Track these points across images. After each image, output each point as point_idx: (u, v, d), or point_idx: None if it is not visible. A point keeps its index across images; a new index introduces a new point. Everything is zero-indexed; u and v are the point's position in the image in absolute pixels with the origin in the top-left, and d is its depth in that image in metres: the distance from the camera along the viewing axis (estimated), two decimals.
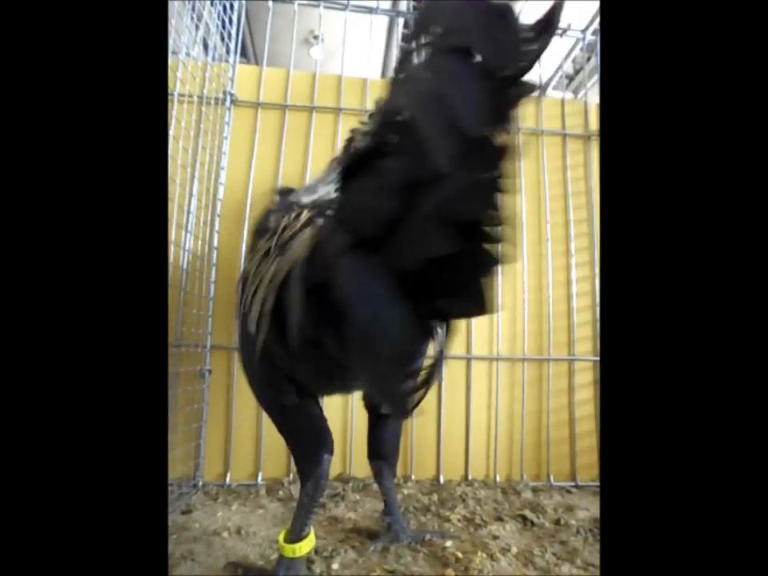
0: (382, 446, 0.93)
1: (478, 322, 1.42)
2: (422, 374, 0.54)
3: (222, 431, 1.31)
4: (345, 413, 1.35)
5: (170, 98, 1.12)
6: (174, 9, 1.12)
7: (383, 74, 4.43)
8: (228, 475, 1.28)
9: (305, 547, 0.76)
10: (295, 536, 0.76)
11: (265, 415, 1.31)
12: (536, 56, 0.42)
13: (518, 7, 0.48)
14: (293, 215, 0.76)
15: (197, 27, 1.29)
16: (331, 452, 0.77)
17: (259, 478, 1.28)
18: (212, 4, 1.38)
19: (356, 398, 1.35)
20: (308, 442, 0.77)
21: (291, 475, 1.30)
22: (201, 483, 1.25)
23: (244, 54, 3.88)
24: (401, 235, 0.40)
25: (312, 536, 0.78)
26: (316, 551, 0.86)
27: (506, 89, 0.41)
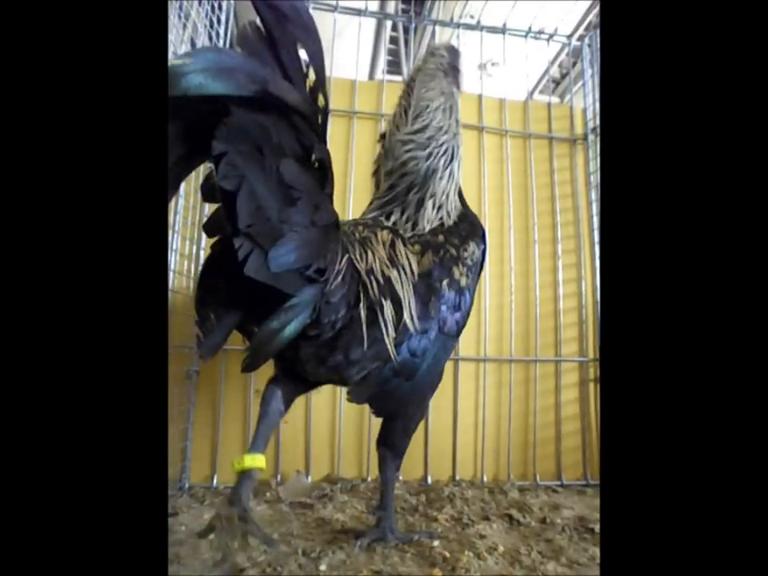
0: (389, 435, 0.93)
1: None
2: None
3: (209, 433, 1.30)
4: (333, 414, 1.35)
5: None
6: None
7: (371, 76, 4.43)
8: (215, 477, 1.27)
9: (243, 461, 0.78)
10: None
11: (252, 417, 1.31)
12: None
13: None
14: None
15: (184, 26, 1.28)
16: (284, 398, 0.86)
17: None
18: (200, 3, 1.37)
19: (344, 400, 1.34)
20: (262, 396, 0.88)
21: (279, 477, 1.29)
22: (187, 485, 1.24)
23: None
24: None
25: (256, 458, 0.80)
26: (303, 552, 0.86)
27: None
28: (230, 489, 1.22)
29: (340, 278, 0.74)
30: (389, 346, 0.78)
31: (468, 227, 0.99)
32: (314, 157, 0.68)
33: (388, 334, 0.78)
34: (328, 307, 0.73)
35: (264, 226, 0.61)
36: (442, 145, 1.00)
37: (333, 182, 0.75)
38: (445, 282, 0.88)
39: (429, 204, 0.97)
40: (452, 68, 1.07)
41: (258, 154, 0.61)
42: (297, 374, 0.86)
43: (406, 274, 0.84)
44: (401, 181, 0.99)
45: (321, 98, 0.70)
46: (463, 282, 0.91)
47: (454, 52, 1.10)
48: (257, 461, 0.80)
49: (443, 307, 0.86)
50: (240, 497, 0.75)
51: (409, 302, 0.82)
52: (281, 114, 0.64)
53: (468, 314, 0.94)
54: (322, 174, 0.71)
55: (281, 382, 0.88)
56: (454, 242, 0.94)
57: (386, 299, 0.79)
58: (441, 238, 0.93)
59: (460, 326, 0.92)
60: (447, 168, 1.00)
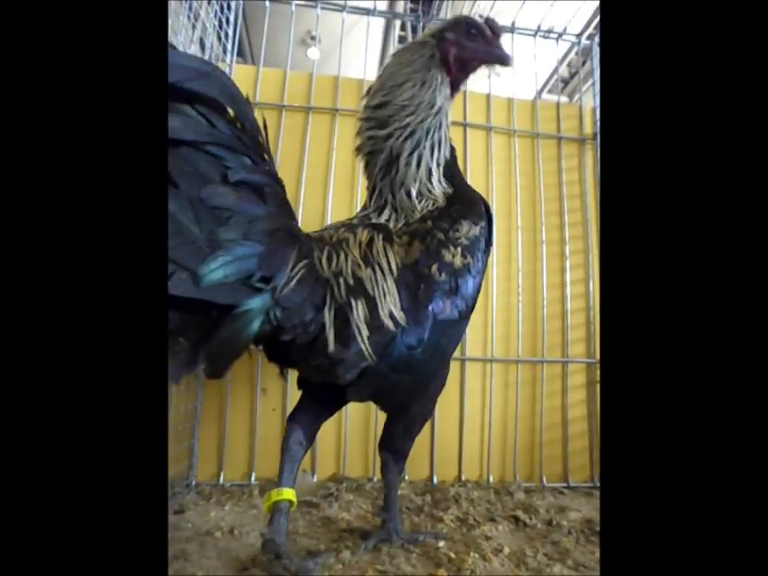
0: (391, 439, 0.94)
1: (473, 324, 1.41)
2: None
3: (215, 431, 1.30)
4: (339, 414, 1.34)
5: None
6: (171, 7, 1.12)
7: None
8: (221, 475, 1.28)
9: (274, 495, 0.81)
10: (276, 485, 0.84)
11: (259, 415, 1.31)
12: None
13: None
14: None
15: (193, 26, 1.29)
16: (302, 430, 0.88)
17: (252, 478, 1.28)
18: (209, 3, 1.38)
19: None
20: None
21: None
22: (194, 483, 1.25)
23: (241, 53, 3.88)
24: None
25: (282, 491, 0.81)
26: (309, 551, 0.86)
27: None
28: (236, 486, 1.24)
29: (293, 283, 0.76)
30: (361, 345, 0.78)
31: (461, 207, 0.94)
32: (231, 180, 0.72)
33: (361, 334, 0.78)
34: (287, 312, 0.75)
35: (187, 248, 0.65)
36: (405, 126, 0.93)
37: (275, 195, 0.79)
38: (434, 268, 0.85)
39: (402, 193, 0.93)
40: (443, 40, 0.97)
41: (173, 187, 0.65)
42: (316, 401, 0.89)
43: (382, 271, 0.83)
44: (370, 163, 0.97)
45: (238, 124, 0.75)
46: (458, 263, 0.87)
47: (458, 24, 0.98)
48: (282, 494, 0.81)
49: (436, 293, 0.84)
50: (272, 539, 0.77)
51: (383, 299, 0.81)
52: (194, 147, 0.69)
53: (472, 295, 0.90)
54: (258, 190, 0.76)
55: (298, 416, 0.90)
56: (443, 225, 0.90)
57: (356, 299, 0.80)
58: (429, 223, 0.90)
59: (462, 309, 0.88)
60: (413, 153, 0.93)
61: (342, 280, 0.81)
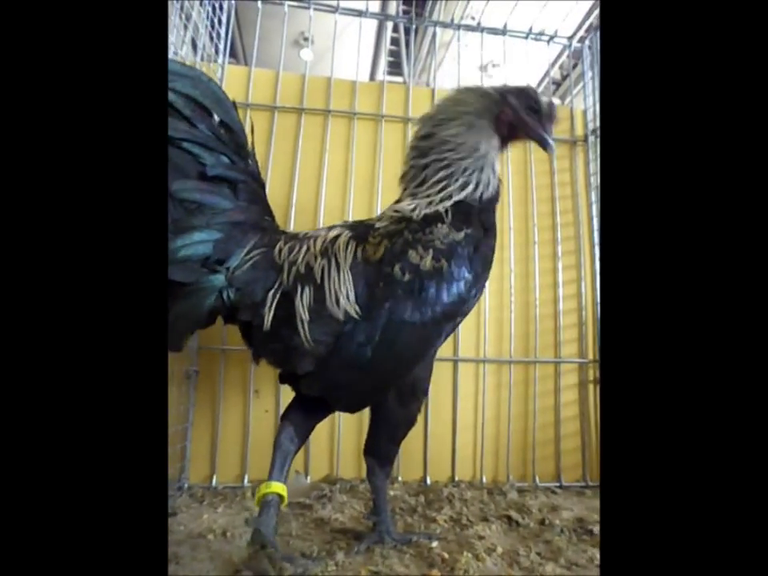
0: (377, 445, 0.94)
1: (465, 324, 1.42)
2: None
3: (208, 433, 1.30)
4: (332, 415, 1.34)
5: None
6: None
7: (372, 77, 4.45)
8: (214, 477, 1.27)
9: (263, 488, 0.83)
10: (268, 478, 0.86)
11: (252, 417, 1.31)
12: None
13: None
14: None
15: (185, 27, 1.28)
16: (294, 428, 0.91)
17: (245, 480, 1.28)
18: (201, 4, 1.38)
19: None
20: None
21: None
22: (186, 485, 1.24)
23: (233, 54, 3.87)
24: None
25: (270, 485, 0.83)
26: (302, 553, 0.86)
27: None
28: (228, 488, 1.24)
29: (247, 266, 0.84)
30: (299, 328, 0.82)
31: (443, 212, 0.90)
32: (209, 175, 0.83)
33: (302, 320, 0.82)
34: (240, 293, 0.83)
35: None
36: (442, 159, 0.93)
37: (249, 192, 0.90)
38: (397, 267, 0.83)
39: (407, 200, 0.94)
40: (505, 101, 0.97)
41: None
42: (307, 401, 0.90)
43: (337, 263, 0.86)
44: (404, 188, 0.99)
45: (223, 126, 0.87)
46: (426, 265, 0.84)
47: (523, 94, 0.98)
48: (271, 487, 0.83)
49: (396, 293, 0.82)
50: (258, 529, 0.79)
51: (331, 290, 0.83)
52: (171, 144, 0.79)
53: (445, 302, 0.85)
54: (231, 185, 0.87)
55: (291, 414, 0.92)
56: (414, 226, 0.87)
57: (303, 286, 0.84)
58: (402, 225, 0.89)
59: (425, 314, 0.83)
60: (442, 181, 0.92)
61: (294, 268, 0.85)
